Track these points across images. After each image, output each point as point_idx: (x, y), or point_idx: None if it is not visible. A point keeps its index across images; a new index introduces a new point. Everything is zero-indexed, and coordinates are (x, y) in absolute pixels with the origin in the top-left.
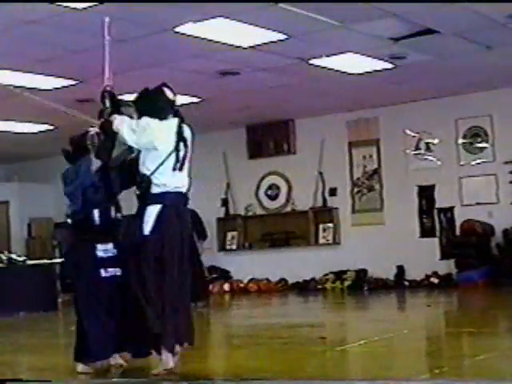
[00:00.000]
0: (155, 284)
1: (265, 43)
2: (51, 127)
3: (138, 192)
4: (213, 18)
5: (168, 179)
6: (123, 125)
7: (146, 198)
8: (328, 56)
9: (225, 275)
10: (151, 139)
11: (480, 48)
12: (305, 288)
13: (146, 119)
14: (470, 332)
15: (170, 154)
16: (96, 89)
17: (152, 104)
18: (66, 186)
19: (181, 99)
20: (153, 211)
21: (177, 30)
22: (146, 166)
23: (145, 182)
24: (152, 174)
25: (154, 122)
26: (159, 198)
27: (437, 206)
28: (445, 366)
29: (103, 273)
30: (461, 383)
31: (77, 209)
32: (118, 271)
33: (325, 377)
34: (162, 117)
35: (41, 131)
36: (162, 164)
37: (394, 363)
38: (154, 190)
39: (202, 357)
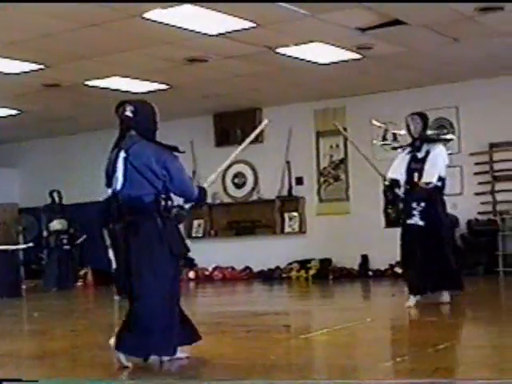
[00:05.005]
0: None
1: (232, 31)
2: (16, 112)
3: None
4: (181, 4)
5: None
6: None
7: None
8: (295, 45)
9: (190, 263)
10: None
11: (447, 40)
12: (270, 276)
13: None
14: (432, 321)
15: None
16: (62, 74)
17: None
18: None
19: (148, 86)
20: None
21: (145, 16)
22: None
23: None
24: None
25: None
26: None
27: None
28: (406, 355)
29: None
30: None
31: None
32: None
33: (288, 363)
34: None
35: (2, 116)
36: None
37: (357, 351)
38: None
39: None
